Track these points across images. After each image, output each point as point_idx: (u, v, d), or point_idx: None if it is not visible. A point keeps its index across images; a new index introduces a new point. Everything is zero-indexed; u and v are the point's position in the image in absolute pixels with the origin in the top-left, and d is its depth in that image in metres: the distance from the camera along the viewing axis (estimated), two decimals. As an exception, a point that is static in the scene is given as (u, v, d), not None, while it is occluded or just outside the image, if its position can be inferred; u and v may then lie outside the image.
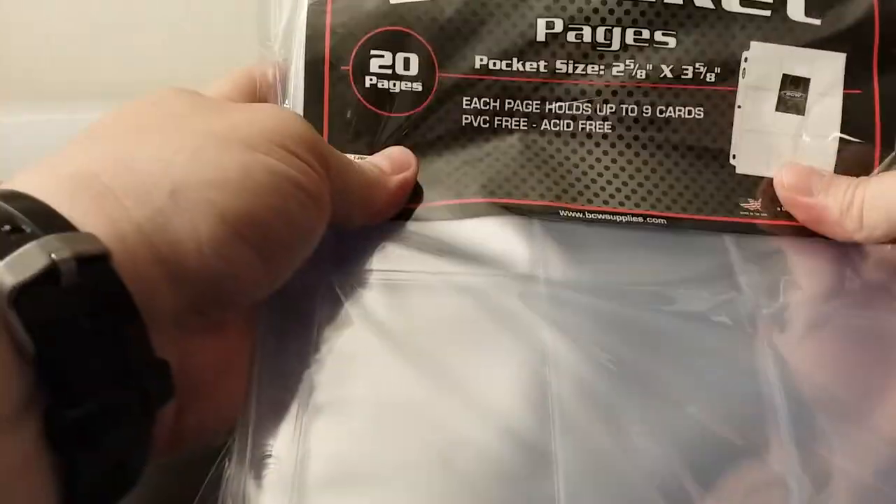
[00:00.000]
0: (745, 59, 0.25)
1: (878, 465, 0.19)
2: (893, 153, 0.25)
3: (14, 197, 0.17)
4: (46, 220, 0.17)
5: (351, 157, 0.25)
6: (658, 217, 0.24)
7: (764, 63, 0.25)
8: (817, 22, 0.25)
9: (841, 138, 0.25)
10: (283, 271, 0.21)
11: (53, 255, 0.16)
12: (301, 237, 0.22)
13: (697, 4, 0.25)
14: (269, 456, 0.20)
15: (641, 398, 0.20)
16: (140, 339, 0.17)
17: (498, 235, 0.24)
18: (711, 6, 0.25)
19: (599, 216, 0.24)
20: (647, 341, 0.21)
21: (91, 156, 0.20)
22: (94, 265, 0.17)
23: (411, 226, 0.24)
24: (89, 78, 0.52)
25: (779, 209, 0.24)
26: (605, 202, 0.24)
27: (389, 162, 0.25)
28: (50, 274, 0.16)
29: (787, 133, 0.25)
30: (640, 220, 0.24)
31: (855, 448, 0.19)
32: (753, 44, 0.25)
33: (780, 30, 0.25)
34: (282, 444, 0.20)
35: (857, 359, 0.21)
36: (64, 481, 0.16)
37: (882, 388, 0.20)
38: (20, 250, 0.16)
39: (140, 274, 0.18)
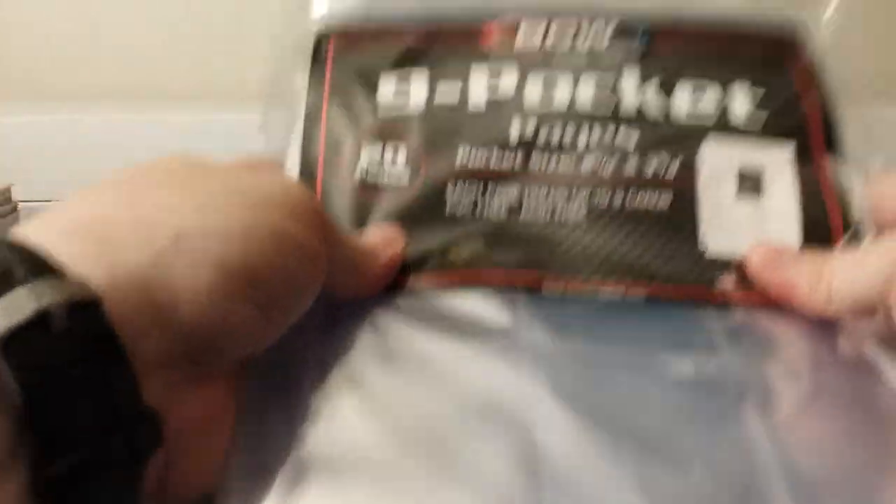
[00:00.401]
0: (700, 157, 0.26)
1: None
2: (852, 228, 0.25)
3: (6, 243, 0.17)
4: (37, 266, 0.17)
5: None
6: (639, 288, 0.24)
7: (718, 159, 0.27)
8: (763, 116, 0.27)
9: (801, 217, 0.26)
10: (279, 326, 0.21)
11: (43, 301, 0.16)
12: (298, 294, 0.22)
13: (648, 119, 0.27)
14: None
15: (635, 465, 0.20)
16: (129, 385, 0.17)
17: (483, 306, 0.24)
18: (661, 119, 0.27)
19: (582, 291, 0.24)
20: (637, 407, 0.21)
21: (93, 203, 0.20)
22: (85, 311, 0.17)
23: (399, 297, 0.25)
24: (89, 78, 0.52)
25: (752, 286, 0.25)
26: (587, 278, 0.25)
27: (379, 237, 0.26)
28: (39, 319, 0.16)
29: (749, 217, 0.26)
30: (621, 293, 0.24)
31: None
32: (705, 146, 0.26)
33: (729, 131, 0.27)
34: None
35: (844, 433, 0.21)
36: None
37: (879, 467, 0.20)
38: (9, 295, 0.16)
39: (132, 320, 0.18)
